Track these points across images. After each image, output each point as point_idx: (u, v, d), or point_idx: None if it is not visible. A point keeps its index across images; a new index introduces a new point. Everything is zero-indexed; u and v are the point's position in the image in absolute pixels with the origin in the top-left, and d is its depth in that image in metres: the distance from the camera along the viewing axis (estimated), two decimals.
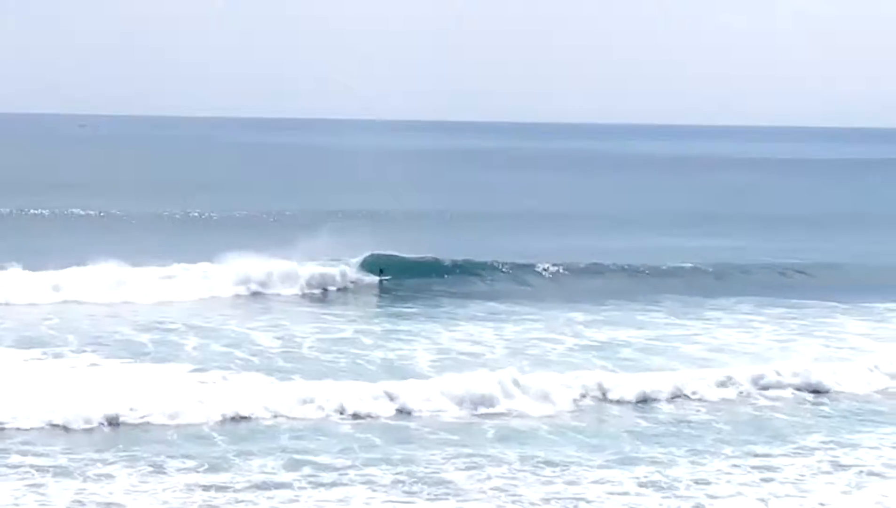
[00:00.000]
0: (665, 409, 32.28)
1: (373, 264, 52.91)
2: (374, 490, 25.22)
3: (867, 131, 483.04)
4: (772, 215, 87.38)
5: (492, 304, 48.52)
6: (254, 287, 49.67)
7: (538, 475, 26.40)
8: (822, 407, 33.12)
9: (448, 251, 57.31)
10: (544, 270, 55.35)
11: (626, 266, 56.09)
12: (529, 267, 55.95)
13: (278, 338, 40.15)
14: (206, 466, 26.39)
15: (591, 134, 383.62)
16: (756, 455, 28.17)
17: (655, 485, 25.81)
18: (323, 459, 27.08)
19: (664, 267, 56.11)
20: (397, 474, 26.16)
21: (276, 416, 30.21)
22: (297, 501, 24.56)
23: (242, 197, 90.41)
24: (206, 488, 25.04)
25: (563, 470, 26.71)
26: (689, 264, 56.69)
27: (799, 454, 28.44)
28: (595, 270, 55.68)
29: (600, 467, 27.04)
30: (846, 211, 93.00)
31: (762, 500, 25.09)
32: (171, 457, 26.86)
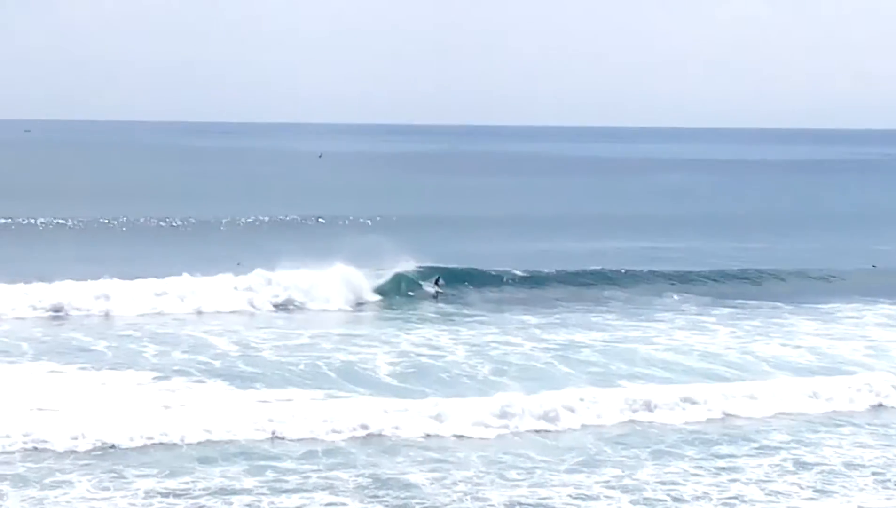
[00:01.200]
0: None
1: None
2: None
3: (808, 133, 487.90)
4: (713, 217, 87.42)
5: (444, 307, 48.30)
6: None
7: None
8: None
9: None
10: (497, 274, 54.46)
11: (576, 271, 55.56)
12: (483, 272, 54.92)
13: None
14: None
15: (540, 137, 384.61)
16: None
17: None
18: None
19: (609, 270, 55.68)
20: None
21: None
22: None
23: (206, 204, 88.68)
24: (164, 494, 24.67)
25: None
26: (638, 268, 56.38)
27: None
28: (542, 275, 55.00)
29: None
30: (785, 213, 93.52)
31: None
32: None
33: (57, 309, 44.72)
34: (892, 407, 33.23)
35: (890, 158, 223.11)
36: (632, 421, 31.11)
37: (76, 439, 27.48)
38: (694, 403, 31.99)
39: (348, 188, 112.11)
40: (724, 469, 27.23)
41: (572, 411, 31.05)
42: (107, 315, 44.85)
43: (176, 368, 35.63)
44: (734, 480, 26.41)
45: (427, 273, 52.11)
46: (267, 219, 79.09)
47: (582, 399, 31.84)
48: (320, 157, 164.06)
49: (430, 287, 51.30)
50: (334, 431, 29.00)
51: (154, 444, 27.78)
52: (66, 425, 28.01)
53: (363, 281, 49.42)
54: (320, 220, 80.00)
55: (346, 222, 78.99)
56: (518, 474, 26.56)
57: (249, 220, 78.46)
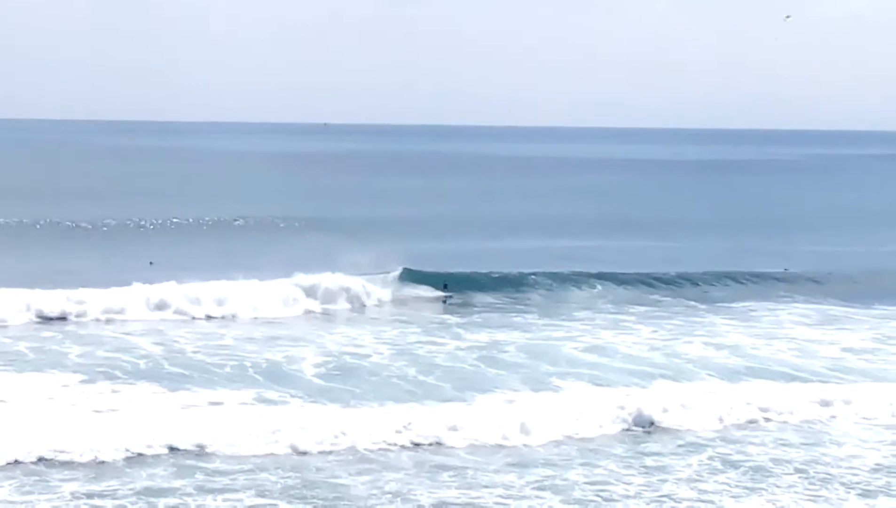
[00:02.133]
0: None
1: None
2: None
3: (720, 133, 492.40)
4: (620, 218, 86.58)
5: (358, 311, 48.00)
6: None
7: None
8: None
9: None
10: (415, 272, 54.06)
11: (493, 272, 55.20)
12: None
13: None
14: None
15: (443, 136, 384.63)
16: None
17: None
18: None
19: (528, 271, 55.35)
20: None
21: None
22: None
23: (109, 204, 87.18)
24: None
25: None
26: (557, 269, 56.15)
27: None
28: (463, 275, 54.55)
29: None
30: (687, 213, 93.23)
31: None
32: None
33: None
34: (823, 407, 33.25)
35: (800, 159, 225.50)
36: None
37: None
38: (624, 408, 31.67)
39: (259, 188, 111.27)
40: (653, 468, 27.28)
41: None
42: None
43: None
44: (664, 480, 26.46)
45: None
46: (177, 221, 77.26)
47: (511, 402, 31.84)
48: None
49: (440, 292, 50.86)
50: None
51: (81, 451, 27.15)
52: None
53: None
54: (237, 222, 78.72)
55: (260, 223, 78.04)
56: (449, 476, 26.36)
57: (159, 222, 76.64)
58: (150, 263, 52.90)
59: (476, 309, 48.51)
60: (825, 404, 32.90)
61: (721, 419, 31.38)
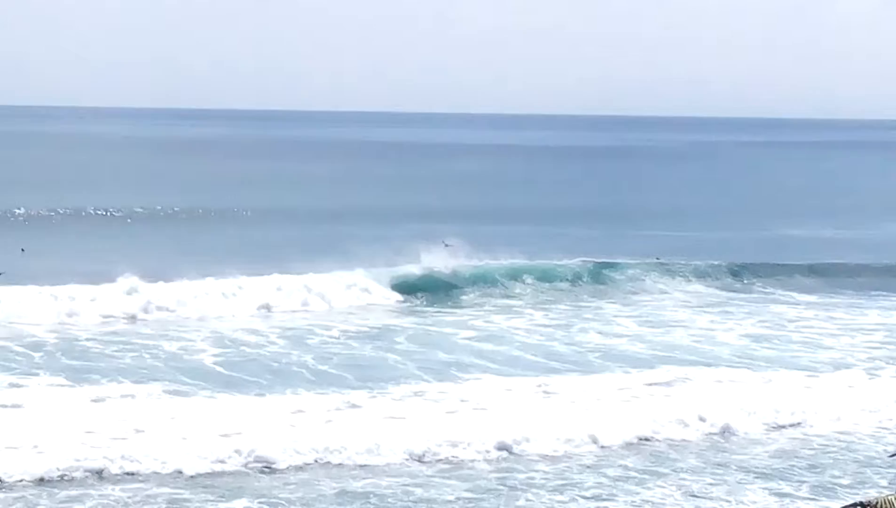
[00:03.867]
0: None
1: None
2: None
3: (590, 119, 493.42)
4: (498, 207, 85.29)
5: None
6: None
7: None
8: None
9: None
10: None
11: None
12: None
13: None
14: None
15: (327, 122, 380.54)
16: None
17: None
18: None
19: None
20: None
21: None
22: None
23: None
24: None
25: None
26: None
27: None
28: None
29: None
30: (561, 201, 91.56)
31: None
32: None
33: None
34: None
35: (682, 145, 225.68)
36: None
37: None
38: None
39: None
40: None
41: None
42: None
43: None
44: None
45: None
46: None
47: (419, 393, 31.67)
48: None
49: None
50: None
51: None
52: None
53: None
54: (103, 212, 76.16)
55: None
56: (352, 471, 25.92)
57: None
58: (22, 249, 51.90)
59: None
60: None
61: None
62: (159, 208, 76.28)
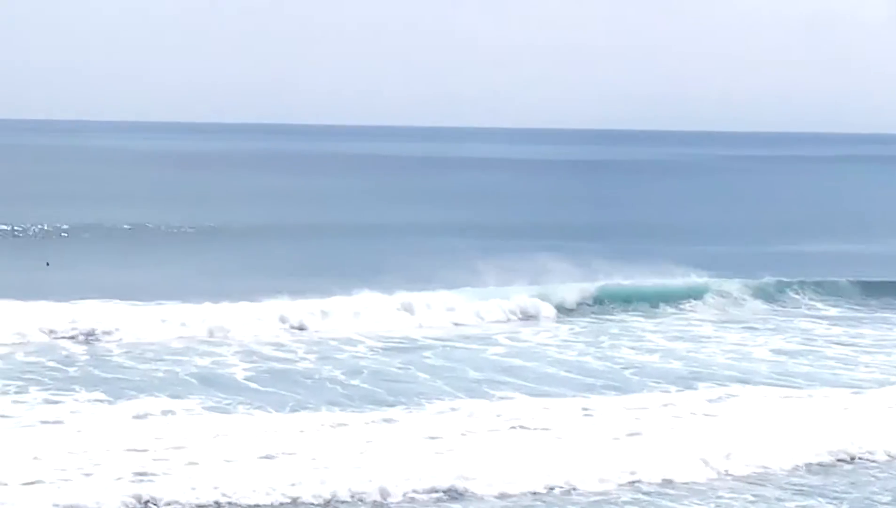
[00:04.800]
0: None
1: None
2: None
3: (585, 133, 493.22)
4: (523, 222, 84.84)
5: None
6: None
7: None
8: None
9: None
10: None
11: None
12: None
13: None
14: None
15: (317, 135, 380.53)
16: None
17: None
18: None
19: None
20: None
21: None
22: None
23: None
24: None
25: None
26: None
27: None
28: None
29: None
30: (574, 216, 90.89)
31: None
32: None
33: None
34: None
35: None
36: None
37: None
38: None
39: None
40: None
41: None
42: None
43: None
44: None
45: None
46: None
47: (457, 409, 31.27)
48: None
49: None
50: None
51: None
52: None
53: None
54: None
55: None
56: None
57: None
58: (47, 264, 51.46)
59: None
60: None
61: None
62: (214, 224, 76.00)
